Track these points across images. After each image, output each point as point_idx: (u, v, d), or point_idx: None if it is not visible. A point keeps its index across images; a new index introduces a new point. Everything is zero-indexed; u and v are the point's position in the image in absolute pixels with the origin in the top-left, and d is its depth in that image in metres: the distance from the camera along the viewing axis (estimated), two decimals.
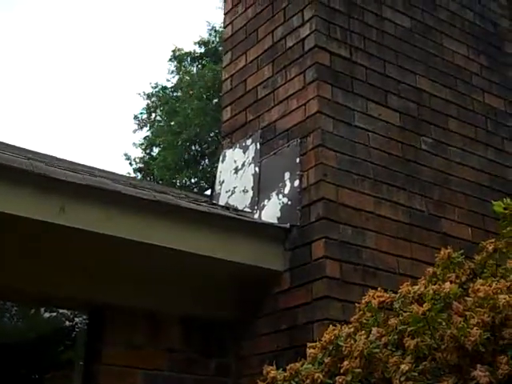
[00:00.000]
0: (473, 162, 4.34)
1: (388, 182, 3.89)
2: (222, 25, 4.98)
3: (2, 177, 2.97)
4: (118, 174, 4.80)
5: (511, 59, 4.92)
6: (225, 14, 4.92)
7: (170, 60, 20.96)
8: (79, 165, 4.14)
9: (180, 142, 18.48)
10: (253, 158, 4.18)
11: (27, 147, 4.20)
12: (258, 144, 4.16)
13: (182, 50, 20.73)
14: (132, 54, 33.72)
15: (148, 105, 21.06)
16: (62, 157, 4.29)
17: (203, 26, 25.90)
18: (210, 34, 20.49)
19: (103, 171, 4.27)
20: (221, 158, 4.51)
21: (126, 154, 21.07)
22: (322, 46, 3.94)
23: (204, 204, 3.86)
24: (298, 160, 3.81)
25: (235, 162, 4.33)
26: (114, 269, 3.50)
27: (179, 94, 20.18)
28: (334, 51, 3.97)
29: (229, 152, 4.43)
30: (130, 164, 20.98)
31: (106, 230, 3.21)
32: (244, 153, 4.27)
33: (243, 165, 4.24)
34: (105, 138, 34.36)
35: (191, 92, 18.71)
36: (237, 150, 4.35)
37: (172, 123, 19.25)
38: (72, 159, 4.34)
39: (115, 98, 35.72)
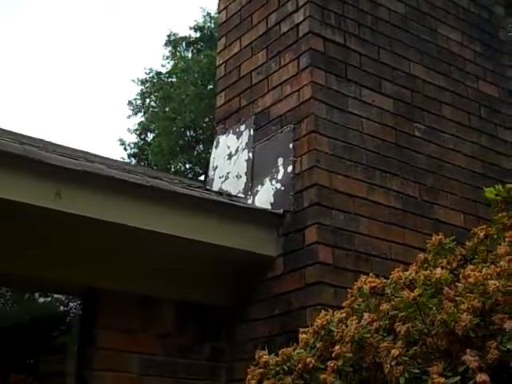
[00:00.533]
0: (466, 148, 4.36)
1: (381, 168, 3.90)
2: (217, 10, 4.96)
3: None
4: (112, 160, 4.80)
5: (506, 46, 4.92)
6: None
7: (165, 45, 20.88)
8: (74, 150, 4.14)
9: (175, 128, 18.45)
10: (246, 143, 4.18)
11: (22, 132, 4.20)
12: (252, 130, 4.17)
13: (177, 34, 20.64)
14: (127, 40, 33.58)
15: (142, 90, 20.99)
16: (56, 142, 4.29)
17: (198, 12, 25.78)
18: (205, 20, 20.41)
19: (98, 156, 4.27)
20: (214, 144, 4.51)
21: (120, 140, 21.08)
22: (316, 31, 3.93)
23: (197, 189, 3.87)
24: (291, 146, 3.82)
25: (229, 147, 4.33)
26: (109, 254, 3.51)
27: (174, 79, 20.10)
28: (328, 37, 3.97)
29: (222, 138, 4.43)
30: (125, 149, 20.99)
31: (101, 215, 3.22)
32: (237, 138, 4.27)
33: (237, 150, 4.25)
34: (99, 124, 34.30)
35: (186, 78, 18.64)
36: (230, 135, 4.35)
37: (167, 109, 19.19)
38: (67, 144, 4.34)
39: (110, 84, 35.62)
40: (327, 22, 4.00)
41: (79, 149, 4.33)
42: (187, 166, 19.78)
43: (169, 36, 20.81)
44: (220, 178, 4.32)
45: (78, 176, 3.17)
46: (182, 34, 20.73)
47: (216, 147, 4.47)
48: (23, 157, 3.04)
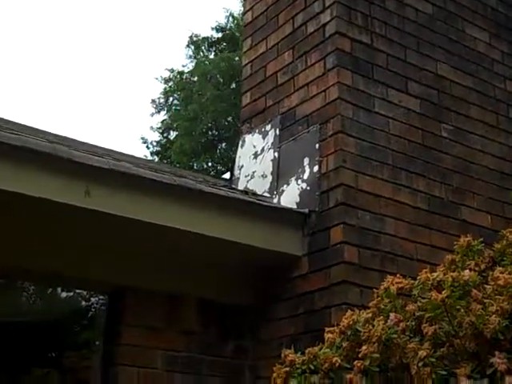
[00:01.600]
0: (494, 149, 4.33)
1: (407, 169, 3.89)
2: (239, 11, 4.97)
3: (27, 161, 3.01)
4: (137, 158, 4.84)
5: None
6: (245, 0, 4.92)
7: (188, 46, 20.95)
8: (100, 148, 4.18)
9: (196, 129, 18.54)
10: (272, 143, 4.19)
11: (48, 130, 4.25)
12: (278, 129, 4.17)
13: (199, 35, 20.70)
14: (151, 40, 33.72)
15: (165, 89, 21.08)
16: (82, 140, 4.33)
17: (220, 12, 25.85)
18: (228, 20, 20.44)
19: (123, 154, 4.30)
20: (240, 143, 4.53)
21: (142, 138, 21.17)
22: (342, 32, 3.93)
23: (223, 188, 3.89)
24: (317, 146, 3.82)
25: (254, 147, 4.35)
26: (135, 251, 3.54)
27: (196, 79, 20.18)
28: (354, 37, 3.96)
29: (248, 137, 4.44)
30: (147, 147, 21.08)
31: (130, 213, 3.25)
32: (263, 138, 4.28)
33: (262, 150, 4.26)
34: (121, 123, 34.50)
35: (207, 79, 18.70)
36: (256, 135, 4.36)
37: (189, 108, 19.27)
38: (92, 142, 4.38)
39: (132, 84, 35.80)
40: (354, 22, 3.99)
41: (104, 147, 4.37)
42: (209, 164, 19.84)
43: (190, 37, 20.89)
44: (245, 177, 4.34)
45: (106, 174, 3.20)
46: (204, 35, 20.81)
47: (241, 146, 4.48)
48: (52, 155, 3.08)
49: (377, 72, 3.98)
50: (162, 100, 21.33)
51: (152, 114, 21.31)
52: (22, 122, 4.16)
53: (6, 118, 4.12)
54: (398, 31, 4.17)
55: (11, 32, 34.07)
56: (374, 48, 4.03)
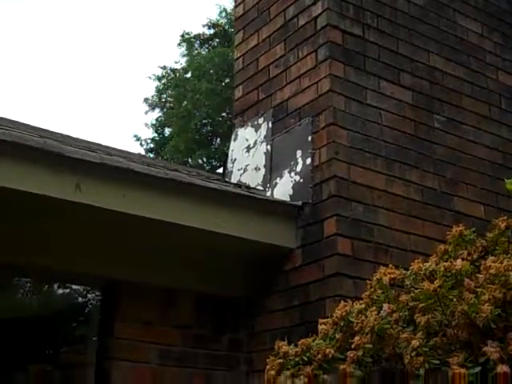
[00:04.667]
0: (486, 139, 4.33)
1: (400, 160, 3.89)
2: (232, 7, 4.96)
3: (18, 155, 3.00)
4: (130, 153, 4.83)
5: None
6: None
7: (179, 44, 20.90)
8: (92, 143, 4.17)
9: (191, 126, 18.50)
10: (265, 136, 4.18)
11: (39, 126, 4.23)
12: (270, 122, 4.17)
13: (191, 33, 20.64)
14: (144, 38, 33.60)
15: (157, 86, 21.03)
16: (74, 136, 4.31)
17: (212, 9, 25.80)
18: (221, 15, 20.38)
19: (116, 150, 4.29)
20: (233, 137, 4.52)
21: (135, 136, 21.10)
22: (334, 24, 3.92)
23: (216, 182, 3.88)
24: (309, 138, 3.82)
25: (247, 140, 4.34)
26: (128, 245, 3.54)
27: (189, 75, 20.14)
28: (346, 29, 3.95)
29: (241, 130, 4.43)
30: (141, 145, 21.01)
31: (121, 207, 3.25)
32: (256, 131, 4.28)
33: (255, 143, 4.25)
34: (115, 121, 34.40)
35: (200, 75, 18.65)
36: (249, 128, 4.36)
37: (183, 104, 19.23)
38: (85, 138, 4.37)
39: (126, 82, 35.72)
40: (345, 14, 3.99)
41: (97, 142, 4.36)
42: (204, 159, 19.82)
43: (182, 36, 20.82)
44: (239, 170, 4.33)
45: (97, 168, 3.19)
46: (196, 32, 20.75)
47: (234, 140, 4.48)
48: (43, 150, 3.06)
49: (369, 64, 3.98)
50: (155, 98, 21.27)
51: (146, 112, 21.26)
52: (13, 118, 4.14)
53: None
54: (389, 23, 4.17)
55: (4, 30, 33.93)
56: (366, 40, 4.02)
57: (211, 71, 18.52)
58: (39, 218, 3.28)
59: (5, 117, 4.09)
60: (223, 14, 20.39)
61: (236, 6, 4.85)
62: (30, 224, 3.29)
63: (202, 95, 18.09)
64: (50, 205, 3.15)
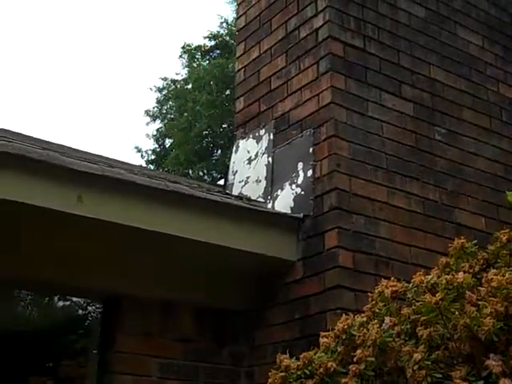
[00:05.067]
0: (487, 152, 4.33)
1: (401, 173, 3.88)
2: (233, 18, 4.98)
3: (20, 167, 3.00)
4: (132, 165, 4.82)
5: None
6: (238, 5, 4.92)
7: (181, 56, 20.97)
8: (94, 155, 4.16)
9: (191, 137, 18.54)
10: (266, 148, 4.18)
11: (42, 138, 4.23)
12: (272, 134, 4.17)
13: (192, 44, 20.71)
14: (145, 50, 33.76)
15: (158, 98, 21.08)
16: (75, 148, 4.31)
17: (213, 21, 25.94)
18: (221, 27, 20.46)
19: (118, 161, 4.29)
20: (234, 149, 4.52)
21: (136, 147, 21.14)
22: (335, 36, 3.93)
23: (217, 194, 3.88)
24: (311, 150, 3.82)
25: (248, 152, 4.34)
26: (129, 258, 3.53)
27: (189, 86, 20.21)
28: (347, 41, 3.96)
29: (242, 142, 4.44)
30: (142, 156, 21.05)
31: (122, 219, 3.24)
32: (257, 143, 4.28)
33: (256, 155, 4.25)
34: (114, 133, 34.50)
35: (200, 86, 18.70)
36: (250, 140, 4.36)
37: (184, 116, 19.26)
38: (86, 150, 4.36)
39: (127, 94, 35.83)
40: (347, 26, 4.00)
41: (98, 154, 4.35)
42: (205, 171, 19.83)
43: (183, 47, 20.90)
44: (240, 182, 4.33)
45: (99, 181, 3.19)
46: (196, 43, 20.83)
47: (236, 152, 4.48)
48: (45, 162, 3.06)
49: (370, 76, 3.99)
50: (155, 109, 21.32)
51: (147, 123, 21.32)
52: (15, 130, 4.14)
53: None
54: (390, 35, 4.18)
55: (6, 45, 34.08)
56: (367, 52, 4.03)
57: (211, 83, 18.56)
58: (41, 231, 3.28)
59: (7, 128, 4.09)
60: (224, 24, 20.49)
61: (237, 18, 4.87)
62: (32, 236, 3.29)
63: (203, 107, 18.13)
64: (52, 217, 3.14)
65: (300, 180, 3.83)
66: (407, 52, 4.21)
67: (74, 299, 4.06)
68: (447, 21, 4.50)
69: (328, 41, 3.92)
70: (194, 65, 20.61)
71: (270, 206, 3.98)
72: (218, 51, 20.34)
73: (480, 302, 2.03)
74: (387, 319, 2.25)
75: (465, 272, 2.27)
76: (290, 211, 3.82)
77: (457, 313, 2.04)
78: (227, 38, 19.89)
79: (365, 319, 2.33)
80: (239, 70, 4.65)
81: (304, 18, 4.14)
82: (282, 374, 2.35)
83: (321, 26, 3.99)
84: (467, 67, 4.47)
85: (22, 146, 3.11)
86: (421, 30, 4.33)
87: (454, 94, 4.32)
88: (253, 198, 4.11)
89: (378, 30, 4.13)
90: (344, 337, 2.33)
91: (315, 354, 2.35)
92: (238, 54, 4.72)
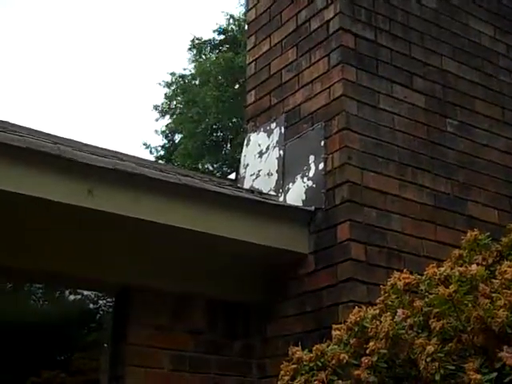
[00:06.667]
0: (499, 143, 4.30)
1: (413, 165, 3.87)
2: (239, 13, 4.97)
3: (31, 161, 3.01)
4: (143, 159, 4.83)
5: None
6: None
7: (190, 49, 20.94)
8: (104, 149, 4.17)
9: (200, 130, 18.53)
10: (277, 141, 4.18)
11: (52, 133, 4.24)
12: (283, 127, 4.16)
13: (201, 38, 20.68)
14: (154, 45, 33.72)
15: (167, 93, 21.07)
16: (85, 142, 4.32)
17: (221, 15, 25.89)
18: (229, 22, 20.42)
19: (128, 155, 4.29)
20: (245, 142, 4.52)
21: (145, 144, 21.12)
22: (346, 28, 3.91)
23: (229, 187, 3.88)
24: (322, 143, 3.81)
25: (259, 145, 4.34)
26: (141, 251, 3.54)
27: (197, 81, 20.19)
28: (358, 33, 3.95)
29: (253, 136, 4.43)
30: (151, 152, 21.02)
31: (134, 213, 3.24)
32: (268, 136, 4.27)
33: (268, 148, 4.25)
34: (123, 129, 34.54)
35: (208, 80, 18.68)
36: (261, 133, 4.35)
37: (192, 110, 19.25)
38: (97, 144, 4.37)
39: (136, 90, 35.84)
40: (358, 18, 3.98)
41: (108, 148, 4.36)
42: (215, 165, 19.83)
43: (192, 41, 20.87)
44: (251, 175, 4.33)
45: (110, 174, 3.20)
46: (206, 38, 20.80)
47: (247, 145, 4.48)
48: (57, 156, 3.07)
49: (381, 68, 3.97)
50: (164, 105, 21.30)
51: (157, 119, 21.29)
52: (26, 125, 4.16)
53: (9, 120, 4.12)
54: (402, 26, 4.15)
55: (16, 37, 34.18)
56: (378, 44, 4.01)
57: (219, 77, 18.52)
58: (52, 224, 3.29)
59: (17, 123, 4.11)
60: (231, 20, 20.45)
61: (248, 11, 4.86)
62: (43, 230, 3.30)
63: (211, 101, 18.11)
64: (63, 211, 3.15)
65: (311, 173, 3.83)
66: (419, 43, 4.18)
67: (86, 293, 4.08)
68: (459, 11, 4.46)
69: (339, 33, 3.90)
70: (201, 60, 20.57)
71: (281, 199, 3.97)
72: (227, 46, 20.29)
73: (493, 294, 2.02)
74: (400, 311, 2.24)
75: (478, 264, 2.26)
76: (301, 204, 3.82)
77: (470, 305, 2.04)
78: (236, 33, 19.83)
79: (377, 311, 2.33)
80: (250, 64, 4.64)
81: (315, 10, 4.12)
82: (294, 366, 2.35)
83: (332, 18, 3.97)
84: (479, 58, 4.44)
85: (33, 140, 3.12)
86: (432, 20, 4.30)
87: (466, 86, 4.30)
88: (264, 191, 4.11)
89: (389, 21, 4.10)
90: (356, 329, 2.33)
91: (328, 346, 2.36)
92: (248, 47, 4.71)
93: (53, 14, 35.14)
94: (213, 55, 20.50)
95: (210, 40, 20.70)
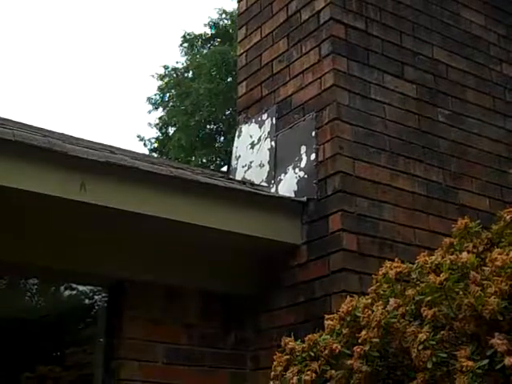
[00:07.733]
0: (490, 132, 4.31)
1: (404, 155, 3.87)
2: (232, 8, 4.95)
3: (22, 154, 3.00)
4: (135, 152, 4.81)
5: None
6: None
7: (181, 45, 20.89)
8: (96, 143, 4.15)
9: (193, 123, 18.51)
10: (269, 132, 4.17)
11: (43, 127, 4.22)
12: (274, 118, 4.16)
13: (193, 33, 20.62)
14: (147, 38, 33.64)
15: (160, 86, 21.02)
16: (77, 136, 4.30)
17: (212, 11, 25.82)
18: (221, 17, 20.37)
19: (120, 149, 4.28)
20: (237, 133, 4.51)
21: (139, 136, 21.08)
22: (337, 18, 3.90)
23: (221, 179, 3.88)
24: (313, 134, 3.80)
25: (251, 136, 4.33)
26: (134, 244, 3.53)
27: (190, 75, 20.15)
28: (349, 23, 3.94)
29: (245, 127, 4.42)
30: (144, 145, 21.00)
31: (126, 205, 3.24)
32: (260, 127, 4.27)
33: (259, 139, 4.24)
34: (116, 121, 34.44)
35: (200, 73, 18.65)
36: (253, 124, 4.35)
37: (185, 103, 19.22)
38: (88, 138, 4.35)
39: (128, 83, 35.72)
40: (348, 8, 3.97)
41: (100, 142, 4.34)
42: (208, 158, 19.81)
43: (184, 36, 20.80)
44: (243, 167, 4.32)
45: (102, 167, 3.19)
46: (197, 32, 20.74)
47: (238, 137, 4.47)
48: (47, 149, 3.06)
49: (372, 58, 3.96)
50: (157, 97, 21.25)
51: (150, 112, 21.24)
52: (17, 119, 4.14)
53: (0, 115, 4.10)
54: (392, 16, 4.15)
55: (7, 30, 34.02)
56: (369, 34, 4.01)
57: (212, 70, 18.49)
58: (44, 218, 3.28)
59: (8, 118, 4.08)
60: (223, 15, 20.39)
61: (239, 2, 4.84)
62: (35, 224, 3.29)
63: (203, 93, 18.08)
64: (55, 204, 3.14)
65: (303, 164, 3.82)
66: (410, 33, 4.18)
67: (81, 288, 4.07)
68: (449, 1, 4.45)
69: (330, 23, 3.89)
70: (195, 53, 20.52)
71: (273, 190, 3.97)
72: (219, 40, 20.25)
73: (484, 282, 2.03)
74: (392, 300, 2.25)
75: (469, 252, 2.27)
76: (293, 195, 3.82)
77: (461, 293, 2.04)
78: (227, 27, 19.79)
79: (369, 301, 2.33)
80: (241, 55, 4.63)
81: (305, 0, 4.11)
82: (287, 356, 2.35)
83: (322, 9, 3.96)
84: (470, 47, 4.43)
85: (24, 134, 3.11)
86: (423, 10, 4.30)
87: (457, 75, 4.30)
88: (256, 182, 4.11)
89: (379, 11, 4.09)
90: (349, 319, 2.33)
91: (320, 336, 2.36)
92: (239, 39, 4.70)
93: (46, 7, 35.00)
94: (204, 50, 20.46)
95: (201, 35, 20.66)
